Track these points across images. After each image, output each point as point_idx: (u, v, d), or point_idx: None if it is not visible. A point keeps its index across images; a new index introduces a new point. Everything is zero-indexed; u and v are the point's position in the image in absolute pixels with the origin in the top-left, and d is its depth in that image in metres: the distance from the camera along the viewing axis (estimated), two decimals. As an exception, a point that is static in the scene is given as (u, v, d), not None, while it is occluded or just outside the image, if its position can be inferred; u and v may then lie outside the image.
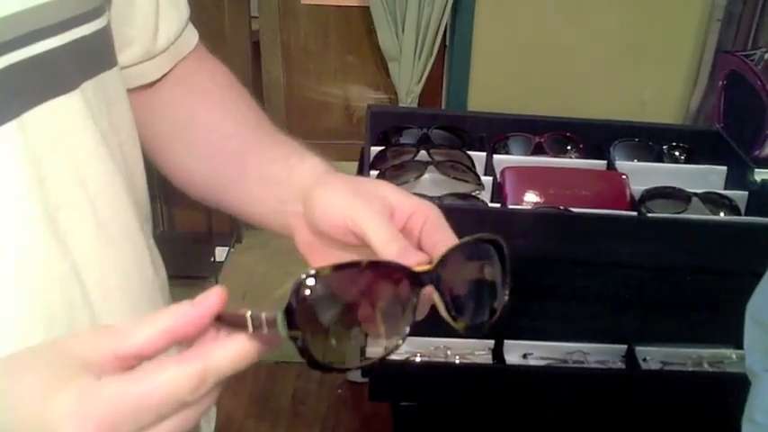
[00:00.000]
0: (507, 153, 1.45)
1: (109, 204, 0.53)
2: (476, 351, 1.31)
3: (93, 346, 0.37)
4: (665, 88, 2.53)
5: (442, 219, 0.51)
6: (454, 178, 1.30)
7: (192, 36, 0.69)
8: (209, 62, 0.71)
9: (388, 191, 0.52)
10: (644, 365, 1.32)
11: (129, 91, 0.61)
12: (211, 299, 0.37)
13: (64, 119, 0.49)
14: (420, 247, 0.50)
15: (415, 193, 1.36)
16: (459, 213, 1.23)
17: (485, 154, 1.39)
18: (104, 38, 0.54)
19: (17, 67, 0.45)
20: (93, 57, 0.53)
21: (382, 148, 1.37)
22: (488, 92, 2.53)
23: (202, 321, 0.37)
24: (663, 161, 1.46)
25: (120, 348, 0.37)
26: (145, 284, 0.59)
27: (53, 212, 0.48)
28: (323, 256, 0.54)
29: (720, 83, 2.19)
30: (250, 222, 0.64)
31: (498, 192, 1.32)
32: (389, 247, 0.46)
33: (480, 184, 1.31)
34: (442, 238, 0.50)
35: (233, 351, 0.37)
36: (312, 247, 0.55)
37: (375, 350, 0.42)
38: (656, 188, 1.33)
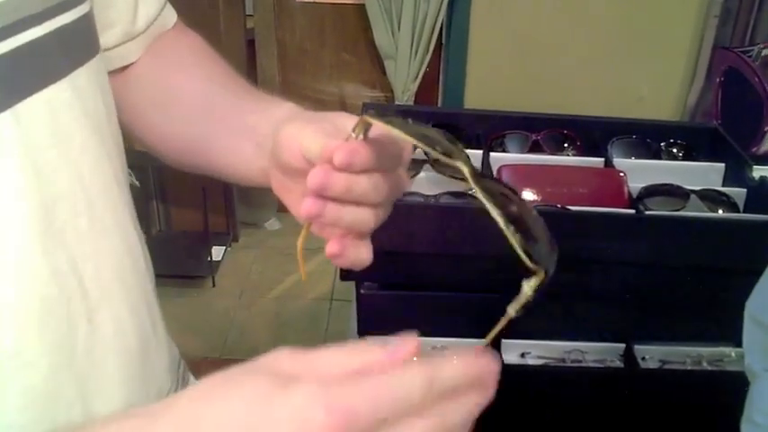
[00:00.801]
0: (504, 151, 1.44)
1: (102, 195, 0.53)
2: (473, 350, 1.30)
3: (293, 364, 0.37)
4: (662, 84, 2.52)
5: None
6: (450, 176, 1.29)
7: (171, 15, 0.71)
8: (186, 35, 0.72)
9: (347, 120, 0.52)
10: (642, 364, 1.32)
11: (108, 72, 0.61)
12: (409, 347, 0.37)
13: (56, 108, 0.48)
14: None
15: (410, 193, 1.35)
16: (455, 212, 1.22)
17: (481, 152, 1.38)
18: (88, 23, 0.54)
19: (6, 57, 0.44)
20: (79, 44, 0.53)
21: (378, 146, 1.36)
22: (485, 89, 2.53)
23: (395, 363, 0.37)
24: (661, 158, 1.46)
25: (317, 369, 0.37)
26: (138, 275, 0.59)
27: (50, 205, 0.47)
28: (296, 194, 0.55)
29: (718, 79, 2.19)
30: (232, 179, 0.65)
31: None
32: (315, 143, 0.48)
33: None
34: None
35: (458, 366, 0.37)
36: (285, 187, 0.56)
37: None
38: (653, 185, 1.32)
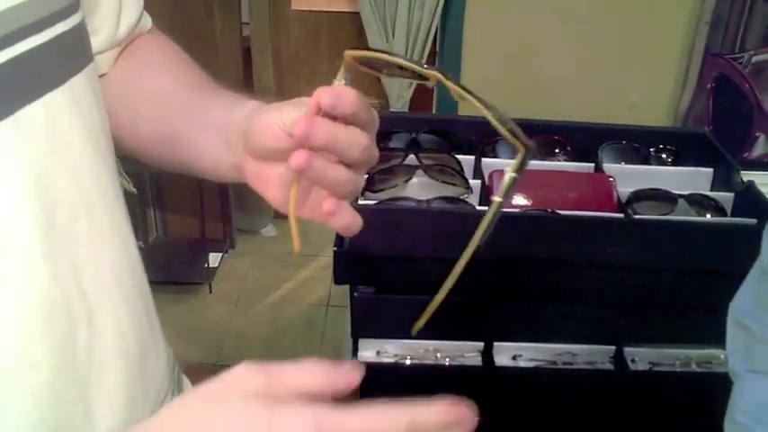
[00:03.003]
0: (496, 156, 1.46)
1: (99, 199, 0.55)
2: (465, 353, 1.31)
3: (263, 382, 0.40)
4: (654, 91, 2.55)
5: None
6: (442, 182, 1.31)
7: (147, 21, 0.73)
8: (156, 37, 0.74)
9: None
10: (632, 366, 1.33)
11: None
12: (352, 373, 0.41)
13: (55, 114, 0.50)
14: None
15: (403, 198, 1.36)
16: (447, 217, 1.24)
17: (473, 157, 1.40)
18: (82, 32, 0.56)
19: (9, 65, 0.45)
20: (75, 52, 0.54)
21: (371, 152, 1.37)
22: (479, 95, 2.54)
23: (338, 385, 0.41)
24: (650, 163, 1.47)
25: (287, 385, 0.40)
26: (135, 278, 0.60)
27: (51, 209, 0.48)
28: (272, 181, 0.58)
29: (709, 86, 2.21)
30: (202, 174, 0.67)
31: (487, 195, 1.33)
32: (296, 124, 0.50)
33: (469, 188, 1.32)
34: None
35: (439, 412, 0.39)
36: (261, 176, 0.59)
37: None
38: (642, 190, 1.34)
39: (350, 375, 0.40)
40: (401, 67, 0.50)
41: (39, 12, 0.48)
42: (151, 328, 0.63)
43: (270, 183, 0.59)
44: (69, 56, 0.53)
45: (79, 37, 0.55)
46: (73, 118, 0.52)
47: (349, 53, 0.51)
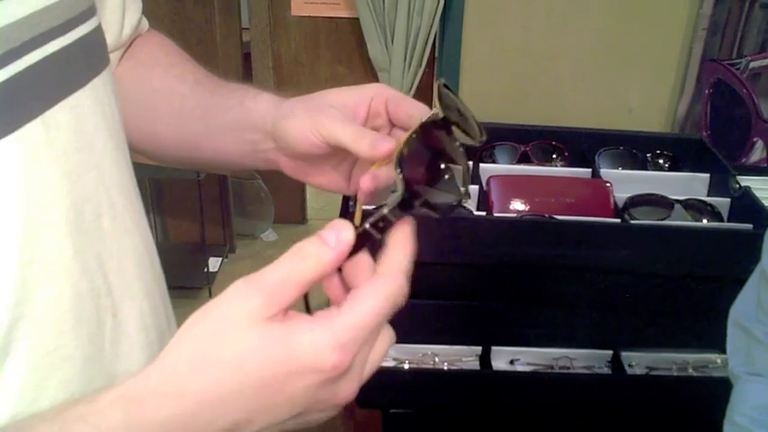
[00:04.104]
0: (494, 162, 1.47)
1: (122, 197, 0.56)
2: (463, 357, 1.32)
3: (263, 304, 0.41)
4: (652, 96, 2.55)
5: (398, 93, 0.57)
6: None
7: (145, 23, 0.74)
8: (155, 35, 0.75)
9: (336, 96, 0.58)
10: (629, 371, 1.34)
11: None
12: (344, 232, 0.43)
13: (80, 114, 0.51)
14: (393, 123, 0.57)
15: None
16: (443, 222, 1.25)
17: (471, 162, 1.41)
18: (100, 34, 0.57)
19: (38, 66, 0.46)
20: (96, 53, 0.55)
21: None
22: (478, 101, 2.54)
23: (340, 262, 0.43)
24: (647, 169, 1.48)
25: (282, 302, 0.41)
26: (155, 273, 0.62)
27: (80, 205, 0.50)
28: (313, 170, 0.61)
29: (707, 91, 2.22)
30: (227, 172, 0.69)
31: (484, 200, 1.33)
32: (361, 144, 0.52)
33: (466, 193, 1.32)
34: (408, 107, 0.56)
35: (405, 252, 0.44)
36: (300, 169, 0.61)
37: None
38: (639, 195, 1.35)
39: (341, 236, 0.42)
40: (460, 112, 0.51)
41: (64, 14, 0.49)
42: (168, 322, 0.64)
43: (310, 172, 0.61)
44: (91, 57, 0.54)
45: (99, 38, 0.56)
46: (96, 117, 0.53)
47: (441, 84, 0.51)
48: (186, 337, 0.41)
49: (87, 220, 0.51)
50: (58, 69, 0.48)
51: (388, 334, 0.45)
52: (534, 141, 1.48)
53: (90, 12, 0.54)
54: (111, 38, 0.66)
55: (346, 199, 1.27)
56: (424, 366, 1.31)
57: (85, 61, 0.53)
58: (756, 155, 2.01)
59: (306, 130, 0.56)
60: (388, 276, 0.43)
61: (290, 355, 0.40)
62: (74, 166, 0.49)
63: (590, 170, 1.43)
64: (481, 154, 1.47)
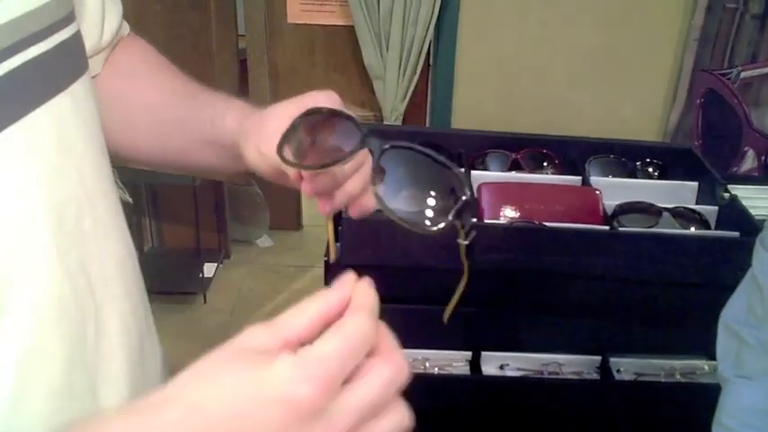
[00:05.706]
0: (485, 169, 1.48)
1: (102, 199, 0.57)
2: (453, 362, 1.33)
3: (267, 337, 0.41)
4: (645, 106, 2.57)
5: (334, 100, 0.61)
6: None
7: (126, 28, 0.75)
8: (134, 42, 0.76)
9: (284, 110, 0.61)
10: (618, 376, 1.35)
11: None
12: (349, 282, 0.44)
13: (60, 117, 0.52)
14: None
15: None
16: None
17: (463, 170, 1.42)
18: (79, 40, 0.58)
19: (19, 71, 0.47)
20: (75, 58, 0.56)
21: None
22: (472, 109, 2.57)
23: (346, 302, 0.43)
24: (636, 177, 1.50)
25: (287, 335, 0.41)
26: (136, 275, 0.63)
27: (61, 209, 0.51)
28: (291, 178, 0.62)
29: (698, 101, 2.24)
30: (222, 176, 0.72)
31: (475, 207, 1.35)
32: (291, 170, 0.59)
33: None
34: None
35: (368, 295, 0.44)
36: (280, 177, 0.63)
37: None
38: (628, 203, 1.36)
39: (343, 292, 0.43)
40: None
41: (45, 20, 0.51)
42: (147, 324, 0.65)
43: (290, 179, 0.63)
44: (71, 62, 0.55)
45: (78, 43, 0.58)
46: (76, 121, 0.54)
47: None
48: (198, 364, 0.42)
49: (69, 221, 0.52)
50: (39, 74, 0.50)
51: (400, 412, 0.43)
52: (525, 149, 1.49)
53: (70, 17, 0.55)
54: (90, 43, 0.67)
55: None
56: (414, 371, 1.31)
57: (65, 66, 0.54)
58: (748, 164, 2.03)
59: (257, 155, 0.61)
60: (356, 312, 0.42)
61: (260, 385, 0.38)
62: (54, 169, 0.51)
63: (580, 178, 1.44)
64: (473, 161, 1.48)
